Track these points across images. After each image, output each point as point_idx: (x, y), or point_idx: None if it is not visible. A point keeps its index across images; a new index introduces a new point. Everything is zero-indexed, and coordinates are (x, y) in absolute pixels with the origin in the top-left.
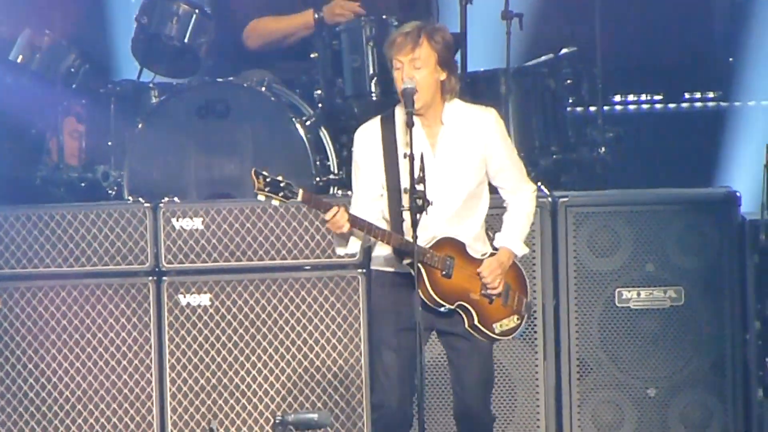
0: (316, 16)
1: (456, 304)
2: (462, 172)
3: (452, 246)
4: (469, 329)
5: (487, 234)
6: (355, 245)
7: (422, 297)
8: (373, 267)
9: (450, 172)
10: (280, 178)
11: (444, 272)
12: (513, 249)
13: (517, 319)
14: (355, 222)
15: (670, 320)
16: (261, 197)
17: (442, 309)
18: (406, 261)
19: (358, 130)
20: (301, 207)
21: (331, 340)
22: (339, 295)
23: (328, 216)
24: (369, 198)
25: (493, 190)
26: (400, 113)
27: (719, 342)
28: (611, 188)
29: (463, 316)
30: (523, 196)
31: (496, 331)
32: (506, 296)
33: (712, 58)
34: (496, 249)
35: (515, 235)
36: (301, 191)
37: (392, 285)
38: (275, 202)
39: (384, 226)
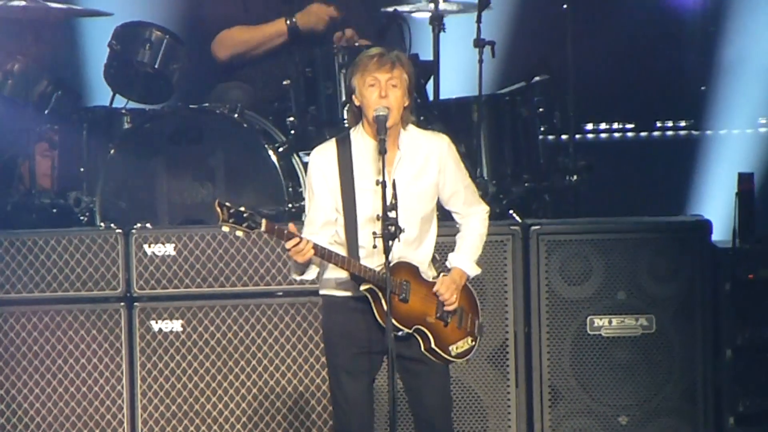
0: (289, 23)
1: (413, 328)
2: (417, 197)
3: (407, 270)
4: (426, 352)
5: (434, 256)
6: (312, 272)
7: (380, 322)
8: (323, 291)
9: (406, 197)
10: (243, 209)
11: (401, 296)
12: (465, 269)
13: (471, 340)
14: (317, 250)
15: (641, 348)
16: (225, 229)
17: (400, 333)
18: (364, 287)
19: (313, 153)
20: (265, 236)
21: (303, 366)
22: (311, 321)
23: (289, 245)
24: (322, 222)
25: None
26: (355, 137)
27: (691, 370)
28: (583, 216)
29: (420, 339)
30: (476, 218)
31: (452, 354)
32: (460, 318)
33: (683, 87)
34: (447, 269)
35: (468, 255)
36: (264, 221)
37: (346, 309)
38: (239, 233)
39: (336, 249)
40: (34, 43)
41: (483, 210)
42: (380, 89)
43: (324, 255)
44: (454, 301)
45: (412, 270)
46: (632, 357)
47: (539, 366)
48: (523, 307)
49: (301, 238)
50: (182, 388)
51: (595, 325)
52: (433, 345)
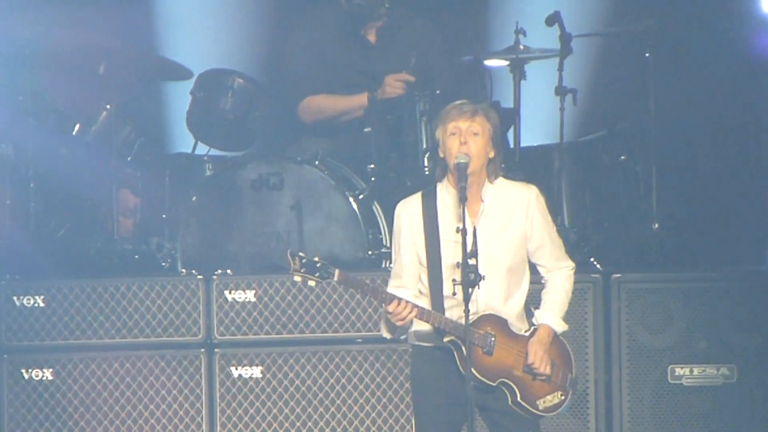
0: (370, 97)
1: (498, 381)
2: (503, 249)
3: (494, 323)
4: (513, 406)
5: (529, 308)
6: (403, 330)
7: (464, 374)
8: (411, 341)
9: (490, 250)
10: (316, 259)
11: (485, 350)
12: (553, 326)
13: (561, 395)
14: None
15: (722, 398)
16: (297, 278)
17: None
18: (447, 339)
19: (399, 205)
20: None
21: (382, 413)
22: (390, 368)
23: (390, 308)
24: (407, 274)
25: (533, 267)
26: (441, 190)
27: None
28: (664, 264)
29: (506, 392)
30: (561, 273)
31: (540, 408)
32: (550, 372)
33: (766, 132)
34: (535, 326)
35: (554, 312)
36: (337, 272)
37: (433, 360)
38: (311, 283)
39: (422, 300)
40: (118, 91)
41: (569, 266)
42: (460, 136)
43: (421, 315)
44: (545, 369)
45: (499, 323)
46: (713, 407)
47: (620, 415)
48: (604, 355)
49: (399, 301)
50: None
51: (676, 374)
52: (519, 399)
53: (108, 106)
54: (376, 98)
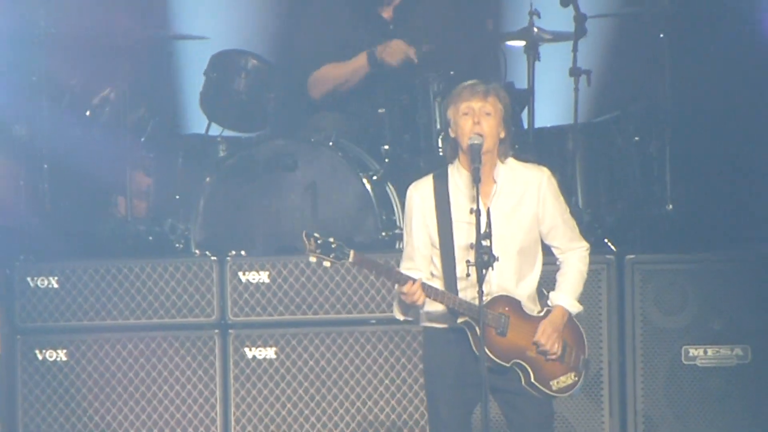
0: (368, 53)
1: (511, 362)
2: (515, 230)
3: (507, 304)
4: (526, 387)
5: (541, 290)
6: (416, 311)
7: (478, 354)
8: (424, 323)
9: (504, 230)
10: (331, 239)
11: (498, 331)
12: (567, 307)
13: (575, 376)
14: (428, 292)
15: (736, 378)
16: (312, 259)
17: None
18: (461, 320)
19: (410, 187)
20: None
21: (396, 393)
22: (404, 349)
23: (405, 289)
24: (419, 256)
25: (546, 249)
26: (452, 172)
27: None
28: (678, 245)
29: (520, 373)
30: (575, 255)
31: (553, 389)
32: (563, 353)
33: None
34: (549, 307)
35: (569, 293)
36: (352, 252)
37: (446, 342)
38: (326, 264)
39: (434, 281)
40: (132, 72)
41: (583, 247)
42: (474, 116)
43: (436, 296)
44: (555, 351)
45: (513, 304)
46: (727, 387)
47: (634, 396)
48: (618, 336)
49: (414, 281)
50: (275, 415)
51: (690, 354)
52: (532, 379)
53: (122, 87)
54: (375, 54)
